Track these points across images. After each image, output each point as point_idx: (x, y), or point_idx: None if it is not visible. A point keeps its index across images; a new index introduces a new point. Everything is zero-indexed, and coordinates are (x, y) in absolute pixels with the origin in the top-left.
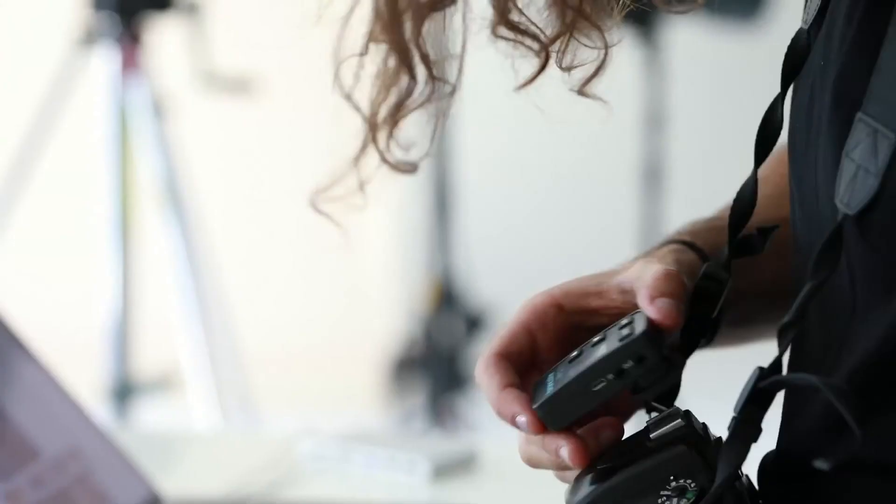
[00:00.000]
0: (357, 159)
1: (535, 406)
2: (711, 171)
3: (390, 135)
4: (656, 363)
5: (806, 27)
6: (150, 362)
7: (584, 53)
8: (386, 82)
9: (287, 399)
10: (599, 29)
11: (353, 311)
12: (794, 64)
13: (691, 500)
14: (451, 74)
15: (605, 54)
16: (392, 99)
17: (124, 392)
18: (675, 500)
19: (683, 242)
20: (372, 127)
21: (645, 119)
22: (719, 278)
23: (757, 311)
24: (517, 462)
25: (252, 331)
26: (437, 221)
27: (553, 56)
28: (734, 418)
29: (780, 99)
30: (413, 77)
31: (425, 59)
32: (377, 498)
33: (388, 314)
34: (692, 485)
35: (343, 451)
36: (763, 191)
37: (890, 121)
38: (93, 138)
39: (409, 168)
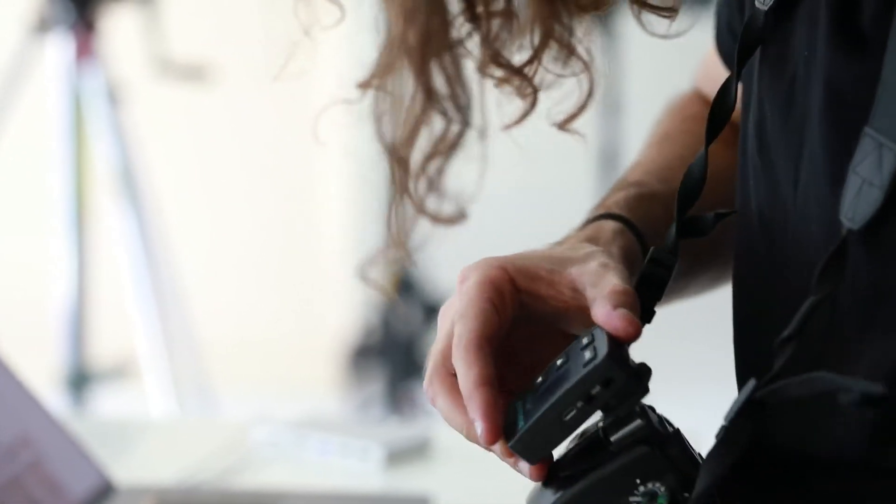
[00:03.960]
0: (394, 213)
1: (510, 444)
2: None
3: (432, 185)
4: (624, 383)
5: (764, 8)
6: (106, 350)
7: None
8: (414, 125)
9: (245, 388)
10: (578, 56)
11: (310, 299)
12: (749, 46)
13: None
14: (475, 114)
15: (589, 91)
16: (423, 143)
17: (80, 380)
18: None
19: (621, 219)
20: (404, 173)
21: (601, 105)
22: (667, 263)
23: (694, 266)
24: (471, 448)
25: (209, 318)
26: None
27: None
28: (724, 427)
29: (733, 79)
30: (446, 117)
31: (455, 98)
32: (330, 484)
33: (345, 302)
34: (661, 488)
35: (296, 437)
36: (672, 150)
37: (894, 133)
38: (48, 126)
39: (457, 219)
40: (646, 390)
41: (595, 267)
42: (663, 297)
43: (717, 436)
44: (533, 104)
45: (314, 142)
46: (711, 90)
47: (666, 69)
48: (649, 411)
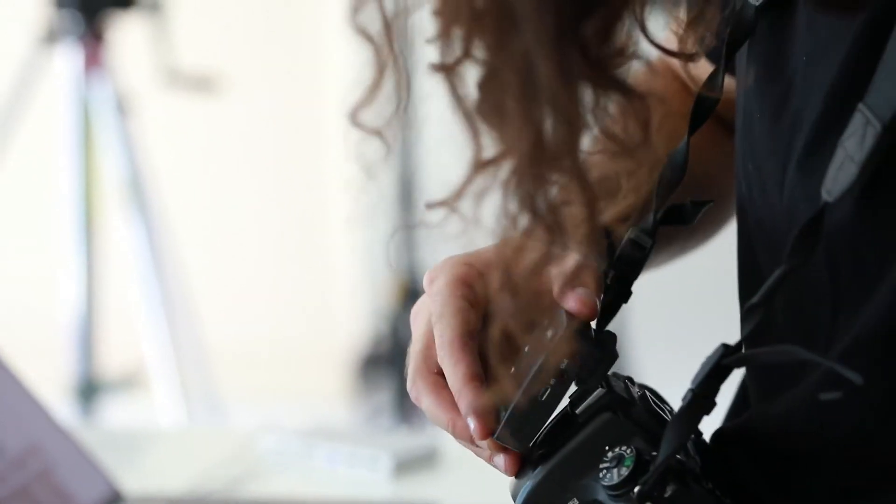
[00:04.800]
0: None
1: (495, 435)
2: None
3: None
4: (588, 352)
5: (756, 3)
6: (115, 360)
7: None
8: (519, 247)
9: (254, 397)
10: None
11: (318, 309)
12: (739, 39)
13: (630, 467)
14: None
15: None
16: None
17: (89, 390)
18: (614, 471)
19: None
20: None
21: None
22: (643, 244)
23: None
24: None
25: (218, 328)
26: (402, 218)
27: None
28: (691, 391)
29: (720, 70)
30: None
31: (560, 223)
32: (339, 494)
33: (353, 311)
34: (628, 451)
35: (304, 446)
36: None
37: (880, 110)
38: (56, 136)
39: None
40: (613, 356)
41: (555, 250)
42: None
43: (684, 399)
44: None
45: (322, 151)
46: (679, 65)
47: None
48: (612, 378)
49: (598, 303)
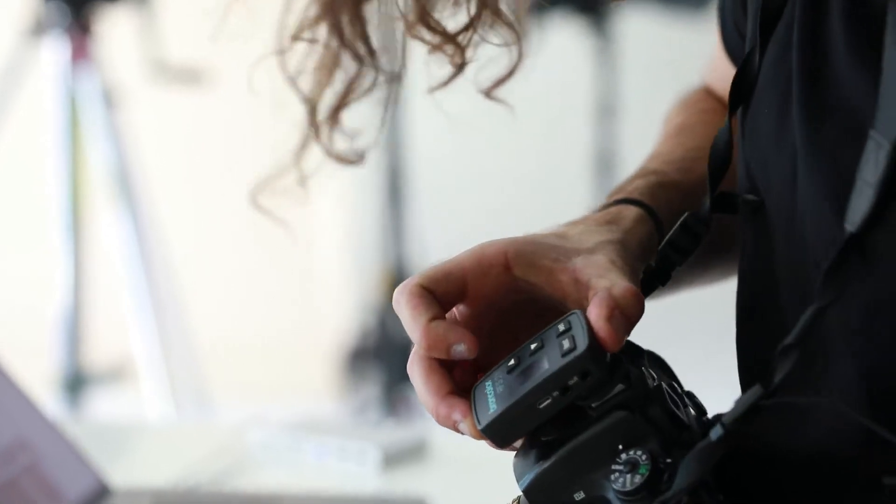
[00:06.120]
0: (299, 151)
1: (480, 428)
2: None
3: (333, 124)
4: (599, 378)
5: None
6: (102, 354)
7: (497, 56)
8: (328, 67)
9: (241, 391)
10: (508, 24)
11: (306, 302)
12: (773, 16)
13: (645, 475)
14: (395, 61)
15: (518, 58)
16: (335, 86)
17: (76, 383)
18: (627, 476)
19: (642, 206)
20: (313, 115)
21: (597, 108)
22: (697, 232)
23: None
24: (467, 450)
25: (205, 322)
26: (390, 210)
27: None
28: (723, 426)
29: (756, 50)
30: (359, 61)
31: (367, 42)
32: (327, 487)
33: (341, 305)
34: (643, 457)
35: (293, 440)
36: (691, 143)
37: (887, 131)
38: (43, 129)
39: (356, 159)
40: (618, 383)
41: (602, 260)
42: (669, 283)
43: (713, 433)
44: (460, 70)
45: (310, 143)
46: (720, 87)
47: (661, 72)
48: (631, 368)
49: (622, 345)
